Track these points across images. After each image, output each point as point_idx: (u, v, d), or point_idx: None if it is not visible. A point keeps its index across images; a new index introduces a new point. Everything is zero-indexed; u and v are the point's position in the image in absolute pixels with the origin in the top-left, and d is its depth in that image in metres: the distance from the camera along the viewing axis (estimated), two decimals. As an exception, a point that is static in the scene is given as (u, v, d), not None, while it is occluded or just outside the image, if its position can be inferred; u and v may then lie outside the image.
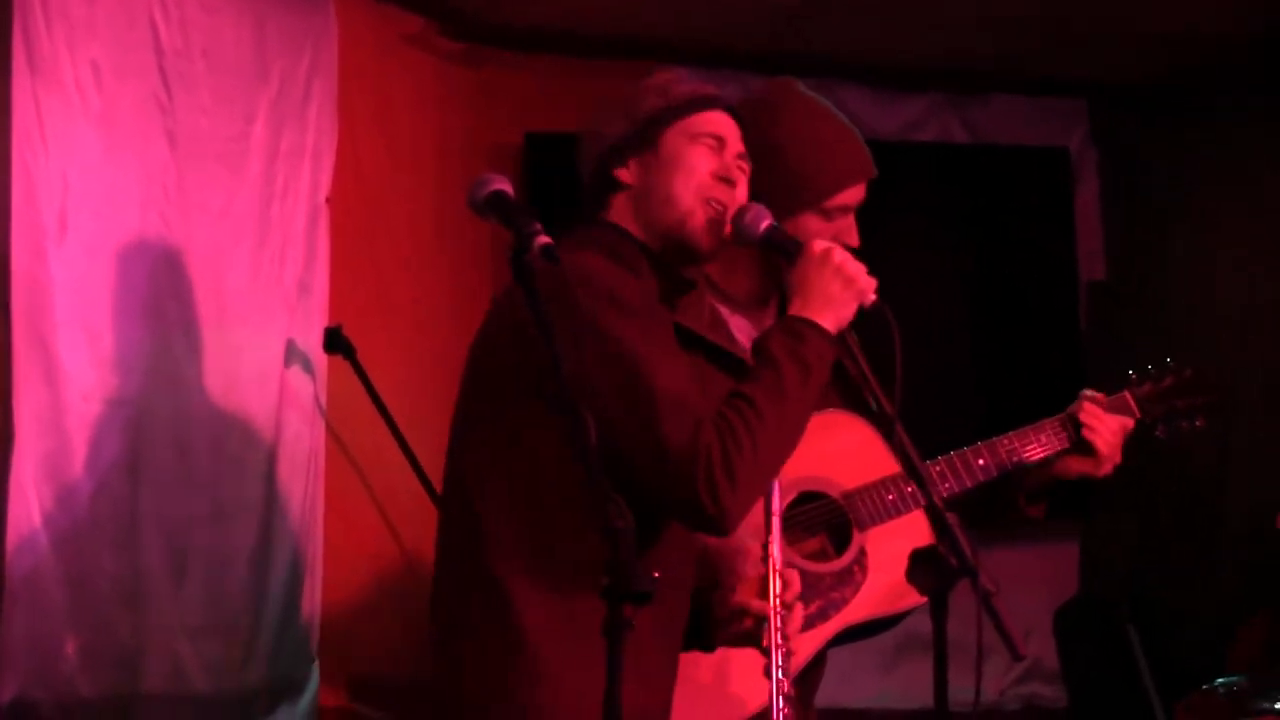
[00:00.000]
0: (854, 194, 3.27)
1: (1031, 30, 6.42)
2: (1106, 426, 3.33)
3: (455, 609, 2.84)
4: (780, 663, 2.82)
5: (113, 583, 4.43)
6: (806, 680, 3.23)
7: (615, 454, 2.55)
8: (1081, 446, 3.34)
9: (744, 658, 3.03)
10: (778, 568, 2.86)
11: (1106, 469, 3.36)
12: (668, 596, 2.81)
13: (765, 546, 2.87)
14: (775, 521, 2.86)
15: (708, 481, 2.65)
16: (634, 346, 2.70)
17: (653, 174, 2.95)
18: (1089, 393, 3.40)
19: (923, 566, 2.69)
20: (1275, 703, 4.34)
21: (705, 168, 2.94)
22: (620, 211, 2.97)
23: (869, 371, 2.90)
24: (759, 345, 2.86)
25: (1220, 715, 4.39)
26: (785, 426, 2.78)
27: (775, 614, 2.84)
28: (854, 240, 3.25)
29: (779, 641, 2.83)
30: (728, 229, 2.94)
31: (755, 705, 3.06)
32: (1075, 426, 3.35)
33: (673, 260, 2.95)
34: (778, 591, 2.85)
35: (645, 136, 2.97)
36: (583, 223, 2.99)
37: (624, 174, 2.97)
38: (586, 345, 2.67)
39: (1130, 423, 3.39)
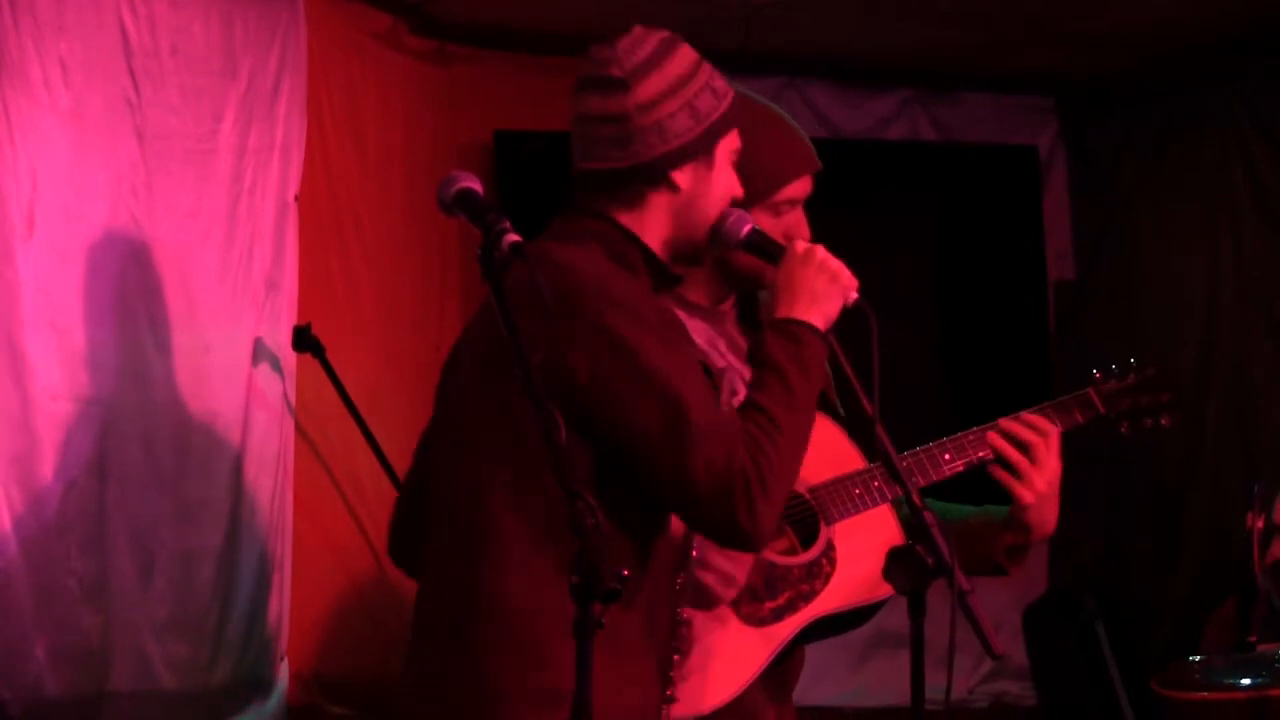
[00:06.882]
0: (800, 187, 3.26)
1: (1001, 25, 6.44)
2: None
3: (458, 604, 2.81)
4: None
5: (80, 582, 4.41)
6: (782, 673, 3.23)
7: (647, 471, 2.70)
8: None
9: (723, 642, 3.05)
10: None
11: (1029, 499, 3.30)
12: (654, 600, 2.85)
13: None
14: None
15: (748, 504, 2.70)
16: (659, 363, 2.70)
17: (704, 186, 2.92)
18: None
19: (899, 565, 2.71)
20: (1242, 679, 4.39)
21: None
22: (655, 209, 2.91)
23: (851, 371, 2.92)
24: (760, 353, 2.88)
25: (1192, 688, 4.43)
26: (798, 432, 2.82)
27: None
28: (806, 234, 3.24)
29: None
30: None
31: (735, 689, 3.10)
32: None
33: (674, 261, 2.95)
34: None
35: (705, 143, 2.92)
36: (579, 210, 2.93)
37: (680, 177, 2.90)
38: (606, 359, 2.67)
39: (1058, 468, 3.31)
